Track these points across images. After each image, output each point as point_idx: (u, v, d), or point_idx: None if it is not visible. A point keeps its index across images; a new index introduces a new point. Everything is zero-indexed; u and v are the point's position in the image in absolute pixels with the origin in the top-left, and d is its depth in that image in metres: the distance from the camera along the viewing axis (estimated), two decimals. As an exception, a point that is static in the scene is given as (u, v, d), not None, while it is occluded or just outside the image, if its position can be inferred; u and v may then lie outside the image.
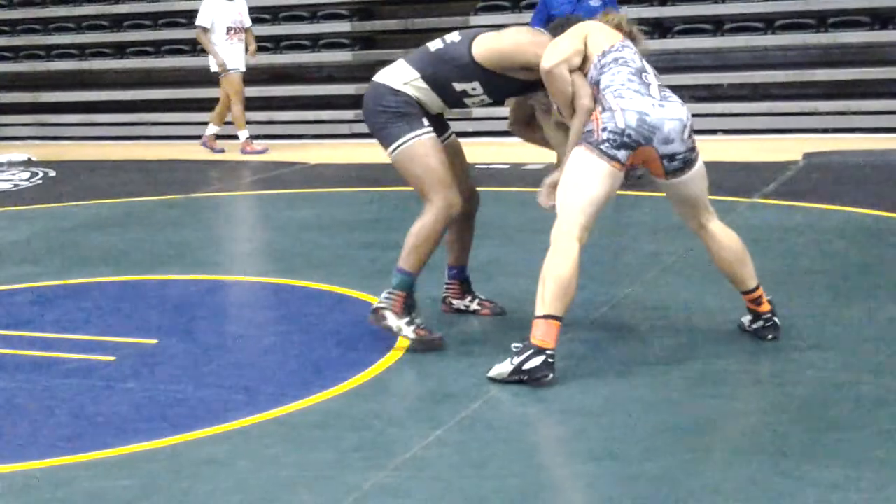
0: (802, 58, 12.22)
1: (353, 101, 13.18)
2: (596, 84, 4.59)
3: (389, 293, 4.83)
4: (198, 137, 12.33)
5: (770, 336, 4.79)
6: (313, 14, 13.88)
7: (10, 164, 11.81)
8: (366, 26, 13.72)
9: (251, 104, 12.56)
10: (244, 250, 7.33)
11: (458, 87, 4.86)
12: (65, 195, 9.69)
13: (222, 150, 11.87)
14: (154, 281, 6.42)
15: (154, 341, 5.18)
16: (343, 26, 13.69)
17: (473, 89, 4.86)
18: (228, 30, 11.71)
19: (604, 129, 4.43)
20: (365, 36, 13.87)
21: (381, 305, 4.83)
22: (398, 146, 4.84)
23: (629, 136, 4.43)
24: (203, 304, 6.00)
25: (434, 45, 4.95)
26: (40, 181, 10.66)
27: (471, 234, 5.31)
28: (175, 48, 14.45)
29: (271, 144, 12.25)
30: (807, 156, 9.59)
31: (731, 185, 8.34)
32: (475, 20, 12.96)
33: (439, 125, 5.04)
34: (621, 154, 4.44)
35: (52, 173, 11.12)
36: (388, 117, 4.86)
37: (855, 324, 5.07)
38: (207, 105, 12.42)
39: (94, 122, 14.32)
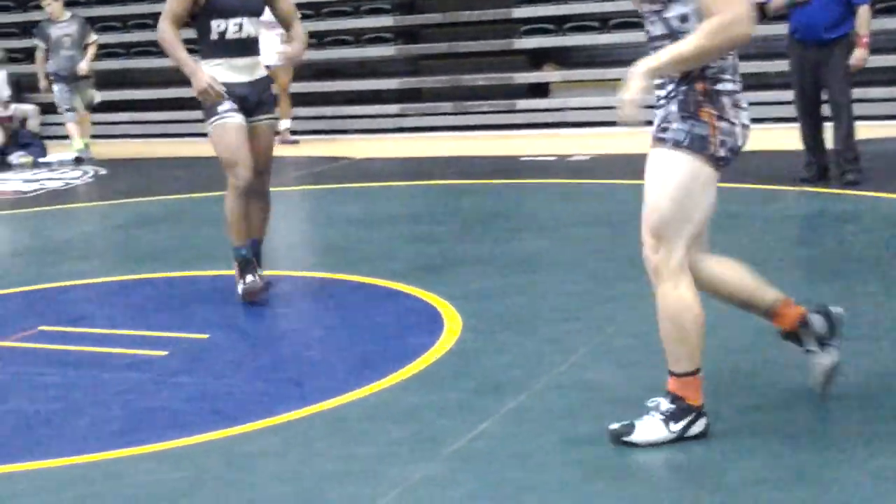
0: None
1: (397, 96, 13.25)
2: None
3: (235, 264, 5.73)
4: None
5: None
6: (356, 9, 13.95)
7: None
8: (407, 20, 13.76)
9: (297, 100, 12.65)
10: (290, 245, 7.39)
11: (212, 37, 5.63)
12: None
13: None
14: (204, 276, 6.50)
15: (205, 336, 5.26)
16: (386, 21, 13.74)
17: (219, 26, 5.60)
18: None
19: (722, 144, 3.60)
20: (407, 30, 13.91)
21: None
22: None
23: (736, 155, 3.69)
24: (251, 298, 6.06)
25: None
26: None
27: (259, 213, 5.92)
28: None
29: (317, 140, 12.34)
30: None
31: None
32: (518, 12, 12.98)
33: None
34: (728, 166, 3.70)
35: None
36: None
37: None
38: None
39: None
